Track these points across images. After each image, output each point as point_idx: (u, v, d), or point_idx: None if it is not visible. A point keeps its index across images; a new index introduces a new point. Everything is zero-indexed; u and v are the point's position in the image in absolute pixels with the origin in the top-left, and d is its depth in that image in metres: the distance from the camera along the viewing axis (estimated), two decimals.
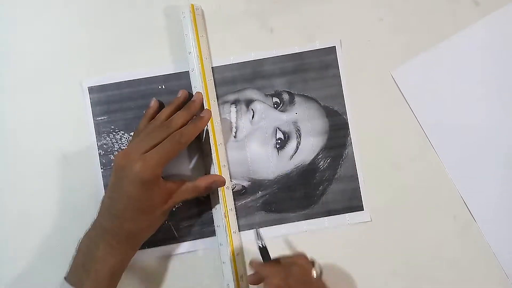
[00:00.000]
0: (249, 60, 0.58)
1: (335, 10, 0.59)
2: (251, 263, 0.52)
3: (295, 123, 0.57)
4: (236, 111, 0.58)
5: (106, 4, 0.59)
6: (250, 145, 0.57)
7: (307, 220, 0.57)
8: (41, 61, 0.58)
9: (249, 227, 0.57)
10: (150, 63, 0.58)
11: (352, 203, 0.57)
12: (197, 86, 0.56)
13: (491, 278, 0.56)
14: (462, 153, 0.57)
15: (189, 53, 0.56)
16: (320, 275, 0.50)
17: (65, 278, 0.50)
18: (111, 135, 0.57)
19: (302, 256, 0.51)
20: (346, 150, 0.57)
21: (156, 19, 0.58)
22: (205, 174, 0.56)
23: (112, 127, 0.57)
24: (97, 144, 0.57)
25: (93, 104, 0.57)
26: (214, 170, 0.55)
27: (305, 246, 0.56)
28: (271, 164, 0.57)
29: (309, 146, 0.57)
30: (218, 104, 0.57)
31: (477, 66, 0.58)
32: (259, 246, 0.52)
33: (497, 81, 0.58)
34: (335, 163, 0.57)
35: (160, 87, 0.57)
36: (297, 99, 0.58)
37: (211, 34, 0.58)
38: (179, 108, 0.54)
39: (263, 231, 0.56)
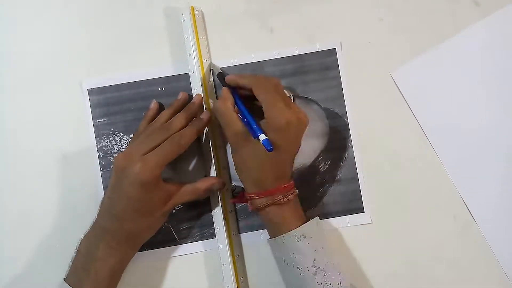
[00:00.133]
0: (250, 62, 0.58)
1: (335, 10, 0.59)
2: (223, 89, 0.53)
3: None
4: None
5: (106, 4, 0.58)
6: None
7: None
8: (41, 61, 0.58)
9: (249, 229, 0.57)
10: (150, 64, 0.58)
11: (353, 205, 0.57)
12: (197, 88, 0.56)
13: (491, 278, 0.56)
14: (462, 153, 0.57)
15: (189, 55, 0.56)
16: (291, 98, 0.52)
17: (64, 279, 0.50)
18: (111, 137, 0.57)
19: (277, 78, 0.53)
20: (347, 152, 0.57)
21: (156, 20, 0.58)
22: (205, 176, 0.56)
23: (112, 129, 0.57)
24: (97, 146, 0.57)
25: (93, 106, 0.57)
26: (214, 172, 0.55)
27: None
28: None
29: (309, 148, 0.57)
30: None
31: (477, 66, 0.58)
32: (217, 74, 0.54)
33: (497, 81, 0.58)
34: (336, 165, 0.57)
35: (160, 89, 0.57)
36: (297, 101, 0.58)
37: (211, 35, 0.58)
38: (179, 110, 0.54)
39: (263, 233, 0.56)
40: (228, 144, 0.57)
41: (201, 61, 0.56)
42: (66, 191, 0.57)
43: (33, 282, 0.56)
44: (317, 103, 0.58)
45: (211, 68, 0.56)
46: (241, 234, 0.57)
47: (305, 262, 0.49)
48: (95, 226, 0.51)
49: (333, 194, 0.57)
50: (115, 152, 0.57)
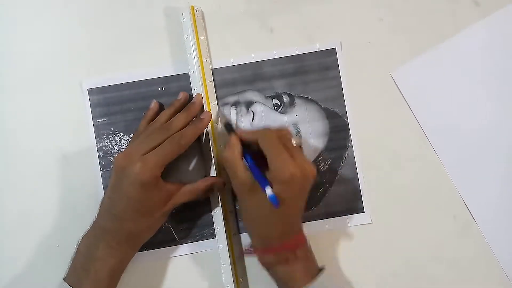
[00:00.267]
0: (249, 62, 0.58)
1: (335, 10, 0.59)
2: (231, 136, 0.51)
3: (295, 125, 0.57)
4: (236, 113, 0.57)
5: (106, 4, 0.58)
6: None
7: (308, 222, 0.57)
8: (41, 61, 0.58)
9: None
10: (150, 64, 0.58)
11: (353, 205, 0.57)
12: (197, 88, 0.56)
13: (491, 278, 0.56)
14: (462, 154, 0.57)
15: (189, 54, 0.56)
16: (300, 147, 0.51)
17: (63, 279, 0.50)
18: (111, 137, 0.57)
19: (285, 127, 0.53)
20: (347, 152, 0.57)
21: (156, 20, 0.58)
22: (205, 176, 0.56)
23: (112, 129, 0.57)
24: (97, 146, 0.57)
25: (93, 106, 0.57)
26: (214, 172, 0.55)
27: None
28: None
29: (309, 148, 0.57)
30: (218, 106, 0.57)
31: (477, 66, 0.58)
32: (224, 124, 0.54)
33: (497, 81, 0.58)
34: (336, 165, 0.57)
35: (160, 89, 0.57)
36: (297, 101, 0.58)
37: (211, 35, 0.58)
38: (179, 110, 0.54)
39: None
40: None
41: (201, 61, 0.56)
42: (66, 191, 0.57)
43: (33, 282, 0.56)
44: (317, 103, 0.58)
45: (218, 115, 0.56)
46: (241, 234, 0.57)
47: None
48: (95, 226, 0.51)
49: (333, 194, 0.57)
50: (115, 152, 0.57)
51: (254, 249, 0.51)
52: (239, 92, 0.58)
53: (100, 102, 0.57)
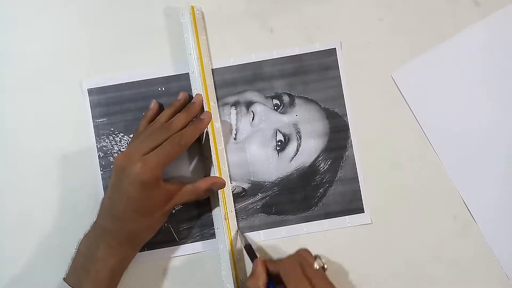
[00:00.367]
0: (249, 62, 0.58)
1: (335, 10, 0.59)
2: (256, 263, 0.51)
3: (295, 125, 0.57)
4: (236, 113, 0.57)
5: (106, 4, 0.58)
6: (250, 147, 0.57)
7: (308, 223, 0.57)
8: (41, 61, 0.58)
9: (250, 229, 0.57)
10: (150, 64, 0.58)
11: (353, 205, 0.57)
12: (197, 88, 0.56)
13: (491, 278, 0.56)
14: (462, 154, 0.57)
15: (189, 55, 0.56)
16: (323, 268, 0.50)
17: (64, 279, 0.50)
18: (111, 137, 0.57)
19: (305, 250, 0.52)
20: (347, 152, 0.57)
21: (156, 20, 0.58)
22: (205, 176, 0.56)
23: (112, 129, 0.57)
24: (97, 146, 0.57)
25: (93, 106, 0.57)
26: (214, 172, 0.55)
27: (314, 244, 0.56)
28: (271, 166, 0.57)
29: (309, 148, 0.57)
30: (218, 106, 0.57)
31: (477, 66, 0.58)
32: (244, 246, 0.53)
33: (497, 81, 0.58)
34: (336, 165, 0.57)
35: (160, 89, 0.57)
36: (297, 101, 0.58)
37: (211, 35, 0.58)
38: (179, 110, 0.54)
39: (263, 233, 0.56)
40: (228, 143, 0.57)
41: (201, 61, 0.56)
42: (66, 191, 0.57)
43: (33, 282, 0.56)
44: (317, 103, 0.58)
45: (238, 235, 0.56)
46: (244, 234, 0.56)
47: None
48: (95, 226, 0.51)
49: (333, 194, 0.57)
50: (115, 152, 0.57)
51: None
52: (239, 92, 0.58)
53: (100, 102, 0.57)
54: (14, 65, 0.58)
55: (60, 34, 0.58)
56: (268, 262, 0.51)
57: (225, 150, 0.57)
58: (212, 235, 0.56)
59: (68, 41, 0.58)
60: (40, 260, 0.56)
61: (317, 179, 0.57)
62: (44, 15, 0.58)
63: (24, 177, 0.57)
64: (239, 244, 0.55)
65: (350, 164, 0.57)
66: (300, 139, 0.57)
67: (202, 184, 0.53)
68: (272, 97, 0.58)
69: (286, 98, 0.58)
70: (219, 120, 0.57)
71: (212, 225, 0.56)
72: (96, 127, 0.57)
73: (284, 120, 0.57)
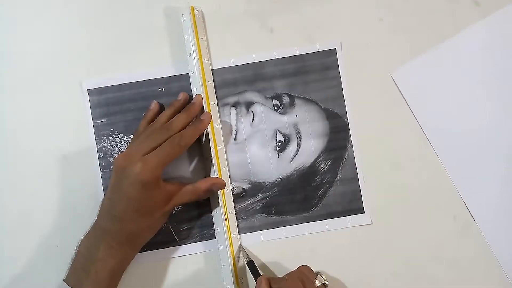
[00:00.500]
0: (250, 62, 0.58)
1: (335, 10, 0.59)
2: (260, 281, 0.50)
3: (295, 125, 0.57)
4: (236, 114, 0.57)
5: (106, 4, 0.58)
6: (250, 147, 0.57)
7: (308, 223, 0.57)
8: (41, 61, 0.58)
9: (250, 230, 0.57)
10: (150, 64, 0.58)
11: (353, 205, 0.57)
12: (197, 88, 0.56)
13: (491, 278, 0.56)
14: (462, 154, 0.57)
15: (189, 55, 0.56)
16: (324, 285, 0.50)
17: (64, 280, 0.50)
18: (111, 138, 0.57)
19: (306, 267, 0.52)
20: (347, 153, 0.57)
21: (156, 20, 0.58)
22: (205, 177, 0.56)
23: (112, 129, 0.57)
24: (97, 147, 0.57)
25: (93, 107, 0.57)
26: (214, 173, 0.55)
27: (306, 249, 0.56)
28: (271, 166, 0.57)
29: (309, 148, 0.57)
30: (218, 107, 0.57)
31: (477, 66, 0.58)
32: (247, 262, 0.53)
33: (497, 81, 0.58)
34: (336, 166, 0.57)
35: (160, 89, 0.57)
36: (297, 101, 0.58)
37: (211, 35, 0.58)
38: (179, 110, 0.54)
39: (263, 234, 0.56)
40: (228, 144, 0.57)
41: (201, 61, 0.56)
42: (66, 191, 0.57)
43: (33, 282, 0.56)
44: (317, 103, 0.58)
45: (241, 250, 0.56)
46: (241, 235, 0.57)
47: None
48: (95, 226, 0.51)
49: (334, 194, 0.57)
50: (115, 153, 0.57)
51: None
52: (239, 93, 0.58)
53: (100, 103, 0.57)
54: (14, 65, 0.58)
55: (60, 34, 0.58)
56: (271, 279, 0.50)
57: (225, 151, 0.57)
58: (212, 236, 0.56)
59: (68, 41, 0.58)
60: (40, 260, 0.56)
61: (317, 180, 0.57)
62: (44, 15, 0.58)
63: (24, 177, 0.57)
64: (242, 261, 0.55)
65: (350, 165, 0.57)
66: (300, 140, 0.57)
67: (202, 184, 0.53)
68: (272, 98, 0.58)
69: (286, 99, 0.58)
70: (219, 120, 0.57)
71: (212, 225, 0.56)
72: (96, 127, 0.57)
73: (284, 121, 0.57)
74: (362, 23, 0.58)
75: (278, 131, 0.57)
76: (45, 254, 0.56)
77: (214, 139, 0.55)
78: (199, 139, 0.55)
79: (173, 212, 0.56)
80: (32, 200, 0.56)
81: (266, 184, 0.57)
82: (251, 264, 0.53)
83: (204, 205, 0.56)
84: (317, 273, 0.51)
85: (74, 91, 0.57)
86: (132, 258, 0.53)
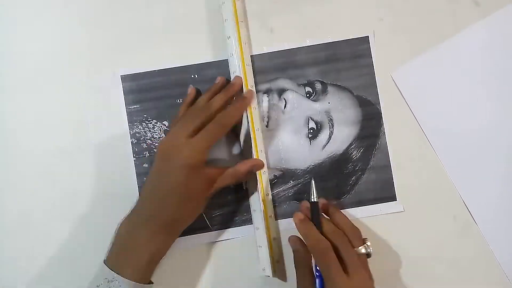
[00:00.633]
0: (282, 49, 0.58)
1: (335, 10, 0.59)
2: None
3: (327, 112, 0.57)
4: (268, 101, 0.57)
5: (106, 4, 0.58)
6: (282, 134, 0.57)
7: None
8: (41, 61, 0.58)
9: (281, 216, 0.57)
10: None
11: (385, 193, 0.57)
12: (235, 71, 0.55)
13: (491, 278, 0.56)
14: (462, 154, 0.57)
15: (228, 37, 0.56)
16: (367, 254, 0.50)
17: (104, 261, 0.50)
18: (144, 124, 0.57)
19: (356, 229, 0.51)
20: (379, 140, 0.57)
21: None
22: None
23: (145, 115, 0.57)
24: (130, 133, 0.57)
25: (126, 93, 0.57)
26: (252, 155, 0.55)
27: None
28: (303, 153, 0.57)
29: (341, 136, 0.57)
30: (256, 91, 0.57)
31: (477, 66, 0.58)
32: (311, 200, 0.52)
33: (497, 81, 0.58)
34: (368, 153, 0.57)
35: (192, 76, 0.57)
36: (329, 88, 0.58)
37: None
38: (217, 93, 0.54)
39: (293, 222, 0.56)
40: (265, 127, 0.57)
41: (240, 44, 0.55)
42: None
43: (33, 282, 0.56)
44: (349, 91, 0.57)
45: (312, 186, 0.53)
46: (278, 221, 0.57)
47: None
48: (136, 211, 0.51)
49: (366, 182, 0.57)
50: (148, 139, 0.57)
51: None
52: (271, 80, 0.58)
53: (133, 89, 0.57)
54: (14, 65, 0.58)
55: (60, 34, 0.58)
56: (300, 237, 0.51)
57: (262, 134, 0.56)
58: (244, 222, 0.56)
59: (68, 41, 0.58)
60: (40, 260, 0.56)
61: (349, 167, 0.57)
62: (44, 15, 0.58)
63: (24, 177, 0.57)
64: (278, 241, 0.55)
65: (382, 152, 0.57)
66: (333, 127, 0.57)
67: (242, 167, 0.53)
68: (305, 85, 0.58)
69: (318, 86, 0.58)
70: (256, 104, 0.56)
71: (244, 212, 0.56)
72: (129, 113, 0.57)
73: (316, 108, 0.57)
74: (362, 23, 0.58)
75: (310, 118, 0.57)
76: (45, 254, 0.56)
77: (252, 122, 0.54)
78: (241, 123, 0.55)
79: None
80: (32, 200, 0.56)
81: (298, 171, 0.57)
82: (315, 205, 0.52)
83: (236, 191, 0.56)
84: (365, 239, 0.51)
85: (74, 90, 0.57)
86: (171, 244, 0.52)
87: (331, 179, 0.57)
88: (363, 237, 0.52)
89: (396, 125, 0.57)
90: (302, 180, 0.57)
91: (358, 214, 0.57)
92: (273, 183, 0.57)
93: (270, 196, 0.56)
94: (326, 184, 0.57)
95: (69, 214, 0.56)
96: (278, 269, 0.55)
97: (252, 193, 0.56)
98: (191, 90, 0.56)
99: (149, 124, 0.57)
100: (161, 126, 0.57)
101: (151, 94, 0.57)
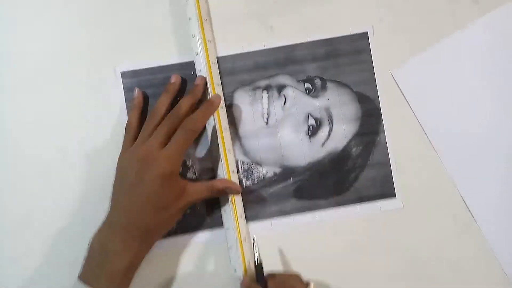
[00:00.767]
0: (281, 45, 0.58)
1: (335, 10, 0.59)
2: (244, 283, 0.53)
3: (327, 109, 0.57)
4: (268, 97, 0.57)
5: (106, 4, 0.58)
6: (281, 131, 0.57)
7: (339, 207, 0.57)
8: (41, 61, 0.58)
9: (281, 213, 0.57)
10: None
11: (384, 190, 0.57)
12: (201, 69, 0.55)
13: (491, 278, 0.56)
14: (462, 153, 0.57)
15: (193, 36, 0.56)
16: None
17: (78, 277, 0.50)
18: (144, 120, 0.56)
19: (297, 276, 0.53)
20: (379, 137, 0.57)
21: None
22: (213, 171, 0.56)
23: (145, 114, 0.57)
24: None
25: (126, 90, 0.57)
26: (223, 173, 0.55)
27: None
28: (303, 150, 0.57)
29: (341, 132, 0.57)
30: (248, 90, 0.57)
31: (477, 65, 0.58)
32: (255, 263, 0.53)
33: (498, 80, 0.58)
34: (368, 150, 0.57)
35: (193, 72, 0.57)
36: (329, 84, 0.58)
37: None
38: (174, 93, 0.55)
39: (294, 218, 0.57)
40: (260, 128, 0.57)
41: (205, 42, 0.55)
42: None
43: (32, 283, 0.56)
44: (349, 87, 0.57)
45: (254, 245, 0.54)
46: (272, 219, 0.57)
47: None
48: (108, 222, 0.51)
49: (365, 179, 0.57)
50: None
51: None
52: (270, 76, 0.58)
53: (133, 86, 0.57)
54: (14, 65, 0.58)
55: (60, 34, 0.58)
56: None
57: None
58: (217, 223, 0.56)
59: (68, 41, 0.58)
60: (39, 260, 0.56)
61: (349, 164, 0.57)
62: (44, 15, 0.58)
63: (24, 177, 0.57)
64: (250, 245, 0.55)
65: (382, 149, 0.57)
66: (332, 124, 0.57)
67: (219, 184, 0.53)
68: (304, 81, 0.58)
69: (318, 82, 0.58)
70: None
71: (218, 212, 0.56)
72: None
73: (316, 104, 0.57)
74: (362, 23, 0.58)
75: (310, 115, 0.57)
76: (45, 254, 0.56)
77: (220, 122, 0.55)
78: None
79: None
80: (32, 200, 0.56)
81: (298, 168, 0.57)
82: (259, 267, 0.53)
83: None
84: (307, 283, 0.52)
85: (74, 90, 0.57)
86: (146, 253, 0.52)
87: (330, 176, 0.57)
88: (305, 280, 0.53)
89: (395, 122, 0.57)
90: (301, 177, 0.57)
91: (357, 211, 0.57)
92: (273, 180, 0.57)
93: (240, 196, 0.56)
94: (325, 181, 0.57)
95: (69, 214, 0.56)
96: (250, 269, 0.54)
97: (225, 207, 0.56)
98: (137, 92, 0.56)
99: None
100: None
101: (152, 90, 0.57)
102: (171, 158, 0.50)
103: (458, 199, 0.57)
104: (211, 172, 0.56)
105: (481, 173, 0.57)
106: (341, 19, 0.58)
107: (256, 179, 0.57)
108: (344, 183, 0.57)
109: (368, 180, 0.57)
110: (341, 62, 0.58)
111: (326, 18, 0.58)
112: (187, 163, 0.56)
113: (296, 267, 0.56)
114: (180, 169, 0.51)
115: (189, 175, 0.57)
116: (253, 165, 0.57)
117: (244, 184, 0.57)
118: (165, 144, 0.51)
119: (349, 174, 0.57)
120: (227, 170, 0.55)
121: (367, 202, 0.57)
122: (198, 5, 0.56)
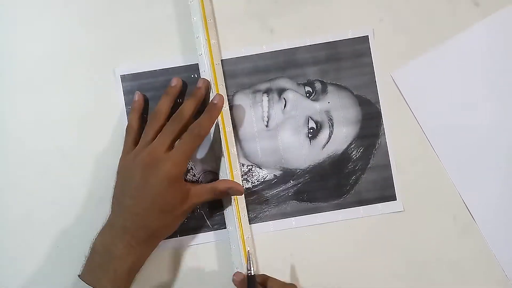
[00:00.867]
0: (281, 49, 0.58)
1: (335, 10, 0.59)
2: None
3: (327, 112, 0.57)
4: (268, 100, 0.57)
5: (106, 4, 0.58)
6: (282, 134, 0.57)
7: (340, 210, 0.57)
8: (41, 61, 0.58)
9: (282, 216, 0.57)
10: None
11: (385, 193, 0.57)
12: (205, 70, 0.55)
13: (491, 279, 0.56)
14: (462, 154, 0.57)
15: (197, 37, 0.55)
16: None
17: (79, 276, 0.50)
18: (144, 124, 0.56)
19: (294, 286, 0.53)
20: (379, 140, 0.57)
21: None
22: (213, 173, 0.56)
23: (145, 115, 0.57)
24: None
25: (126, 93, 0.57)
26: (226, 174, 0.55)
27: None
28: (303, 153, 0.57)
29: (341, 135, 0.57)
30: (248, 93, 0.57)
31: (477, 67, 0.58)
32: (248, 274, 0.52)
33: (497, 82, 0.58)
34: (368, 153, 0.57)
35: (193, 75, 0.57)
36: (329, 88, 0.58)
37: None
38: (175, 96, 0.55)
39: (295, 220, 0.57)
40: (260, 131, 0.57)
41: (209, 43, 0.55)
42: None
43: (33, 283, 0.56)
44: (349, 90, 0.57)
45: (249, 258, 0.54)
46: (273, 221, 0.57)
47: None
48: (112, 224, 0.51)
49: (366, 181, 0.57)
50: None
51: None
52: (271, 79, 0.58)
53: (133, 89, 0.57)
54: (14, 65, 0.58)
55: (60, 34, 0.58)
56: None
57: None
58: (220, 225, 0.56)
59: (68, 41, 0.58)
60: (40, 260, 0.56)
61: (349, 167, 0.57)
62: (44, 15, 0.58)
63: (24, 177, 0.57)
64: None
65: (382, 152, 0.57)
66: (332, 127, 0.57)
67: (221, 185, 0.53)
68: (304, 84, 0.58)
69: (318, 85, 0.58)
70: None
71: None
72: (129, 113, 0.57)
73: (316, 107, 0.57)
74: (362, 23, 0.58)
75: (310, 118, 0.57)
76: (45, 254, 0.56)
77: (223, 123, 0.55)
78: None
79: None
80: (32, 200, 0.56)
81: (298, 171, 0.57)
82: (252, 279, 0.52)
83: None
84: None
85: (74, 90, 0.57)
86: (148, 255, 0.52)
87: (331, 178, 0.57)
88: None
89: (396, 125, 0.57)
90: (302, 180, 0.57)
91: (358, 214, 0.57)
92: (273, 182, 0.57)
93: (242, 197, 0.56)
94: (326, 184, 0.57)
95: (69, 214, 0.56)
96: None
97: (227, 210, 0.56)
98: (137, 96, 0.56)
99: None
100: None
101: (151, 93, 0.57)
102: (177, 161, 0.50)
103: (458, 200, 0.57)
104: (212, 174, 0.57)
105: (481, 175, 0.57)
106: (341, 22, 0.58)
107: (256, 182, 0.57)
108: (345, 186, 0.57)
109: (368, 183, 0.57)
110: (341, 66, 0.58)
111: (326, 19, 0.58)
112: (187, 165, 0.56)
113: (297, 270, 0.56)
114: None
115: (189, 177, 0.57)
116: (253, 168, 0.57)
117: (245, 187, 0.57)
118: (170, 148, 0.51)
119: (350, 177, 0.57)
120: (230, 170, 0.54)
121: (368, 204, 0.57)
122: (203, 6, 0.56)
